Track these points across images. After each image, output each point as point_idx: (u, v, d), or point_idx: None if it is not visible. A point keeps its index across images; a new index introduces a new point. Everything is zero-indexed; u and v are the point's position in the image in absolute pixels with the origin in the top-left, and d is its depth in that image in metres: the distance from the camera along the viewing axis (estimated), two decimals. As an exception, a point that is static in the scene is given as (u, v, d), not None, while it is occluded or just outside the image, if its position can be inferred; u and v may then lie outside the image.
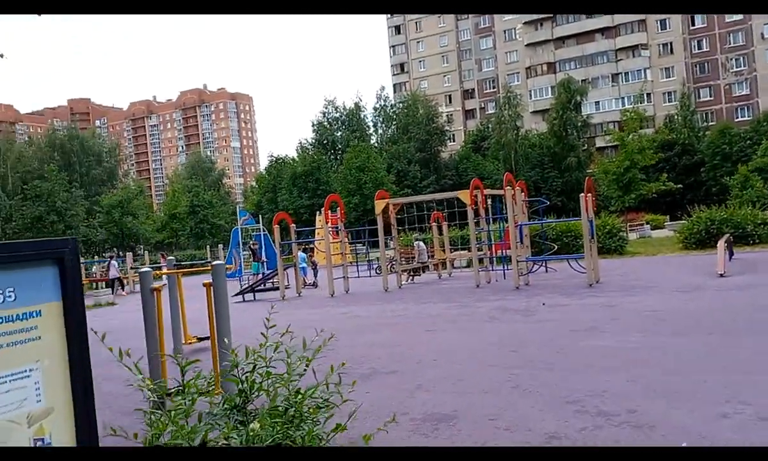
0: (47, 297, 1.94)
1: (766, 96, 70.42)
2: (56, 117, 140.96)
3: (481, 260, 18.30)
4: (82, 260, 35.74)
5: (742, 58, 72.76)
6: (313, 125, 76.29)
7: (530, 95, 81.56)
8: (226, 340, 6.00)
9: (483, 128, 77.55)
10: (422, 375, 7.29)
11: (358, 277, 20.32)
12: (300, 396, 3.34)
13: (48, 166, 56.12)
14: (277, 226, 18.60)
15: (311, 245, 26.51)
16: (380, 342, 9.64)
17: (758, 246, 21.10)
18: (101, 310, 19.45)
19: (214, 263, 6.61)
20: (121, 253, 46.37)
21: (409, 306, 14.06)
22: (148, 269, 7.07)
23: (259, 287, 19.28)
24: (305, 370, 3.83)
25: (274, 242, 20.79)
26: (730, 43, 73.16)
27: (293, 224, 19.99)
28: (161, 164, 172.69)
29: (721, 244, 15.74)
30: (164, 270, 12.84)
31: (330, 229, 19.39)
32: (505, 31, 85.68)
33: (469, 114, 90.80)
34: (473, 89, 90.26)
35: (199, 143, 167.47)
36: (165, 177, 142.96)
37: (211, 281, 6.65)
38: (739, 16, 71.38)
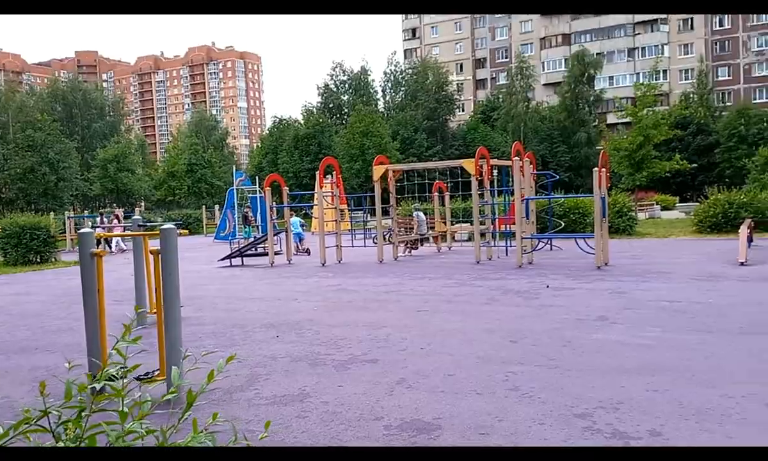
0: None
1: (787, 78, 68.43)
2: (63, 69, 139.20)
3: (483, 235, 17.24)
4: (72, 214, 34.85)
5: (764, 38, 70.44)
6: (318, 88, 74.65)
7: (543, 67, 79.58)
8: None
9: (493, 99, 75.79)
10: (407, 366, 6.31)
11: (353, 246, 19.31)
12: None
13: (42, 115, 54.70)
14: (268, 188, 17.54)
15: (307, 211, 25.47)
16: (365, 322, 8.66)
17: (777, 233, 19.98)
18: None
19: (164, 227, 5.57)
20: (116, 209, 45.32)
21: (403, 281, 13.06)
22: (89, 230, 6.04)
23: (247, 252, 18.30)
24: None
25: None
26: (752, 21, 70.80)
27: (286, 187, 18.92)
28: (166, 121, 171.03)
29: (743, 230, 14.63)
30: (115, 231, 11.78)
31: (324, 194, 18.33)
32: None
33: (480, 84, 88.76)
34: (485, 58, 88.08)
35: (205, 101, 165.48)
36: (169, 134, 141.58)
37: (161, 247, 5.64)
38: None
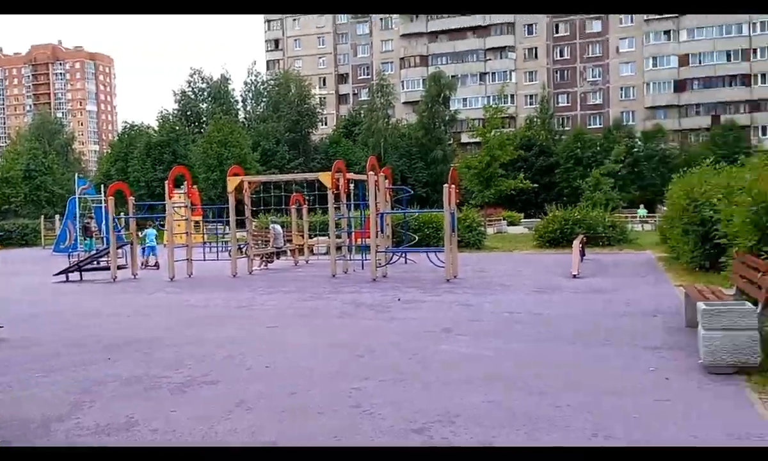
0: None
1: (616, 107, 75.61)
2: None
3: (339, 248, 17.25)
4: None
5: (598, 70, 77.54)
6: (175, 95, 71.58)
7: (402, 86, 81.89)
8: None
9: (355, 114, 76.81)
10: (249, 386, 6.04)
11: (204, 260, 18.50)
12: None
13: None
14: (111, 198, 16.39)
15: (159, 224, 24.18)
16: (210, 340, 8.25)
17: (607, 248, 21.84)
18: None
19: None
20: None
21: (255, 296, 12.70)
22: None
23: (87, 266, 16.96)
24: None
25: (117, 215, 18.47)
26: (588, 54, 77.61)
27: (132, 197, 17.78)
28: (4, 124, 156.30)
29: (576, 244, 15.81)
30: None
31: (175, 205, 17.48)
32: (381, 19, 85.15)
33: (342, 99, 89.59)
34: (347, 74, 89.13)
35: (50, 102, 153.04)
36: (7, 138, 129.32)
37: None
38: (598, 29, 76.00)
